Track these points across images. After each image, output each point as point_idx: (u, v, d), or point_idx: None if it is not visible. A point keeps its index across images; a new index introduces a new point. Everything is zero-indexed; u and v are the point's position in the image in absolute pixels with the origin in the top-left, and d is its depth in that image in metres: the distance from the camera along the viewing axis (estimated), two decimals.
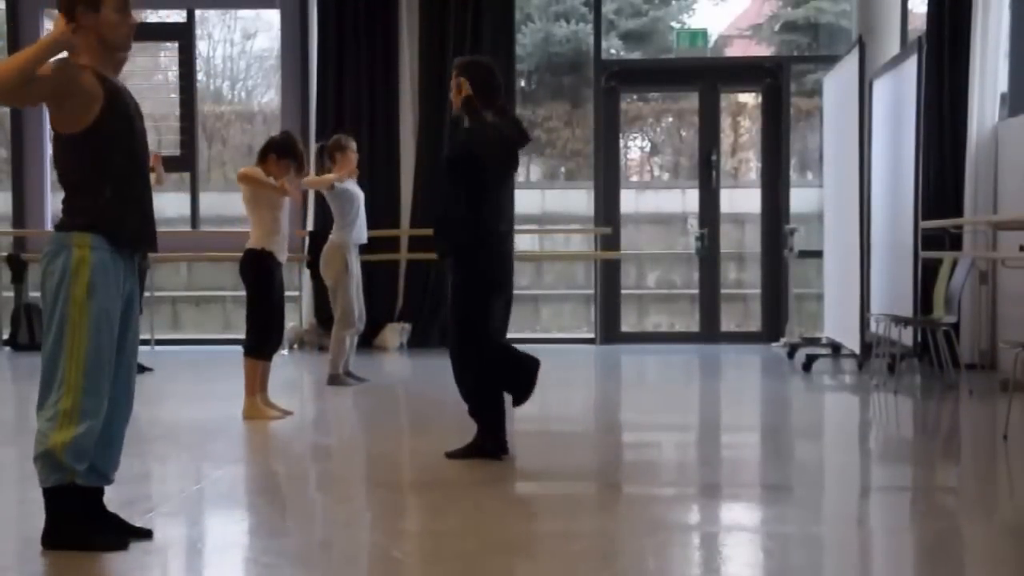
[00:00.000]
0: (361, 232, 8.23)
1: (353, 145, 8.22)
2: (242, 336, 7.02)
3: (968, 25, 9.49)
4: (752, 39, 17.44)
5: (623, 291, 12.11)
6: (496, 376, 5.60)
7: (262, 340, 6.88)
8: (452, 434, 6.35)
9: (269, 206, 6.88)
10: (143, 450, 5.76)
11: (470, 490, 5.04)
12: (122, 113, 3.95)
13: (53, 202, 11.87)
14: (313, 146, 10.33)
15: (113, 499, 4.22)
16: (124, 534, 4.05)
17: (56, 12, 3.95)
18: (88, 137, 3.88)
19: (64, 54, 3.89)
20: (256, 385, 6.88)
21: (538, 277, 13.88)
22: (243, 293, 7.06)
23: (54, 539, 3.96)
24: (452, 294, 5.67)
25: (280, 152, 6.95)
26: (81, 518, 3.97)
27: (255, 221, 6.88)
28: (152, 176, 8.71)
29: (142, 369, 9.38)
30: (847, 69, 9.54)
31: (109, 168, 3.92)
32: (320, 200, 10.59)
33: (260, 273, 6.85)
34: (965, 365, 8.50)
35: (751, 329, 12.31)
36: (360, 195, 8.25)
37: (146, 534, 4.12)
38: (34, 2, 11.58)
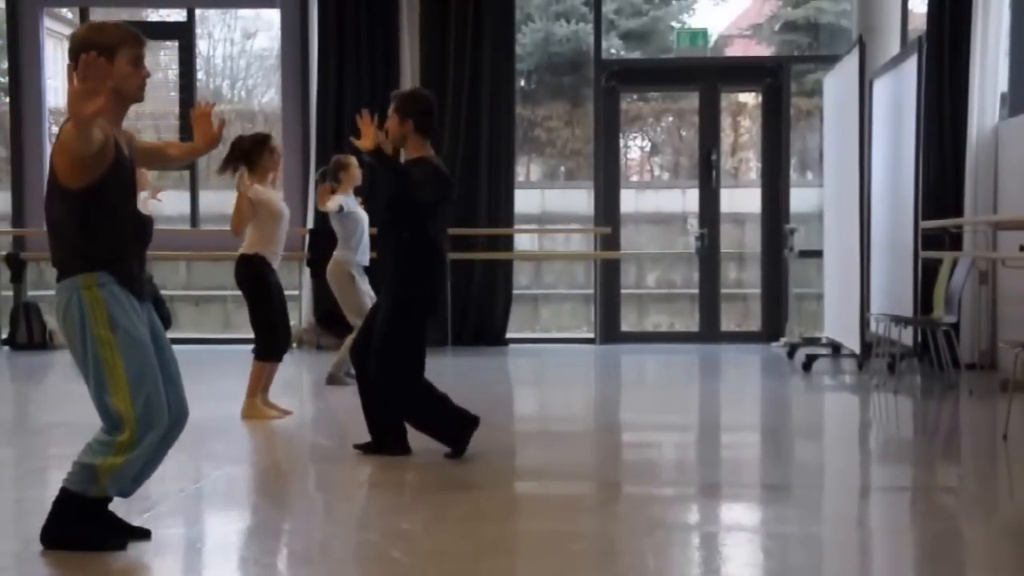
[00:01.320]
0: (364, 254, 8.27)
1: (354, 161, 8.23)
2: (242, 336, 7.04)
3: (968, 25, 9.48)
4: (752, 39, 17.44)
5: (623, 291, 12.10)
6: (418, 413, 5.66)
7: (271, 343, 6.90)
8: None
9: (272, 217, 6.89)
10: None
11: (470, 490, 5.04)
12: (123, 168, 3.95)
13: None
14: (313, 173, 10.39)
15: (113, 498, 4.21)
16: (123, 534, 4.05)
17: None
18: (93, 194, 3.86)
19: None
20: (259, 387, 6.90)
21: (538, 277, 13.88)
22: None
23: (54, 537, 3.96)
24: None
25: (259, 147, 6.92)
26: (82, 518, 3.97)
27: (255, 227, 6.88)
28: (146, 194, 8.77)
29: None
30: (847, 69, 9.53)
31: (111, 220, 3.91)
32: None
33: (256, 278, 6.86)
34: (965, 365, 8.50)
35: (751, 329, 12.30)
36: (365, 218, 8.28)
37: (144, 534, 4.12)
38: (34, 2, 11.58)
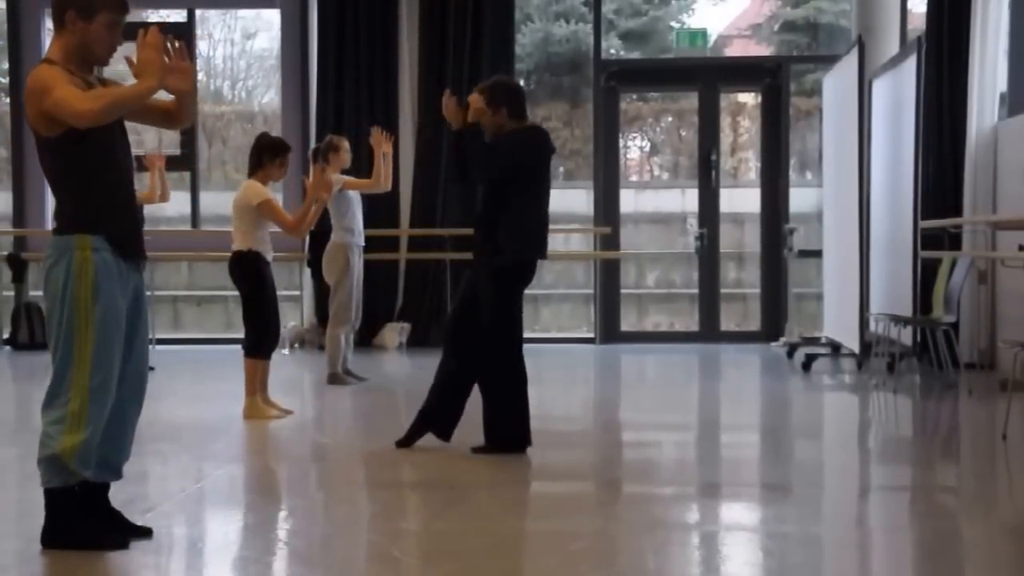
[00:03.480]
0: (360, 236, 8.29)
1: (345, 144, 8.25)
2: (243, 336, 7.04)
3: (967, 25, 9.49)
4: (752, 39, 17.45)
5: (623, 291, 12.11)
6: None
7: (260, 339, 6.89)
8: (453, 434, 6.35)
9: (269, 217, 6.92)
10: (143, 449, 5.75)
11: (470, 490, 5.05)
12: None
13: (53, 202, 11.87)
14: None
15: (113, 498, 4.22)
16: (125, 532, 4.06)
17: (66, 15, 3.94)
18: (67, 139, 3.85)
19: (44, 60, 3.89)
20: (256, 385, 6.89)
21: (538, 277, 13.79)
22: None
23: (54, 538, 3.96)
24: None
25: (273, 153, 6.94)
26: (81, 517, 3.98)
27: (253, 224, 6.88)
28: (155, 185, 8.82)
29: None
30: (846, 69, 9.54)
31: (94, 172, 3.90)
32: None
33: (251, 273, 6.86)
34: (964, 365, 8.50)
35: (751, 329, 12.31)
36: (357, 197, 8.27)
37: (146, 532, 4.13)
38: (35, 3, 11.58)
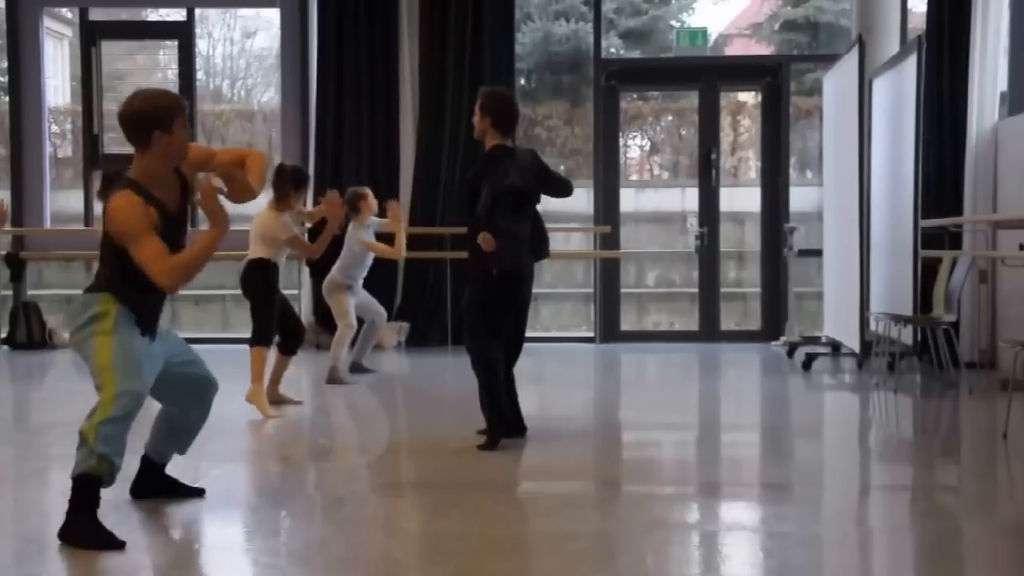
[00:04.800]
0: (359, 281, 8.69)
1: (370, 193, 8.73)
2: (242, 335, 7.14)
3: (968, 24, 9.47)
4: (752, 38, 17.46)
5: (623, 290, 12.10)
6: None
7: (264, 330, 7.14)
8: (452, 434, 6.35)
9: (285, 235, 7.13)
10: (142, 448, 5.74)
11: (470, 490, 5.04)
12: (163, 225, 4.21)
13: (52, 200, 11.87)
14: (312, 172, 10.64)
15: (113, 497, 4.22)
16: (179, 494, 4.67)
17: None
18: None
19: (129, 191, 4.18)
20: (261, 373, 7.06)
21: (537, 276, 13.83)
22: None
23: (65, 531, 4.04)
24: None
25: (298, 184, 7.27)
26: (93, 515, 4.04)
27: (267, 245, 7.14)
28: None
29: None
30: (847, 68, 9.53)
31: (143, 277, 4.19)
32: (320, 198, 10.61)
33: (264, 283, 7.11)
34: (965, 364, 8.49)
35: (751, 328, 12.30)
36: (370, 257, 8.68)
37: (199, 493, 4.75)
38: (34, 1, 11.57)
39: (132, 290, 4.23)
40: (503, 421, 5.92)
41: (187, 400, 4.54)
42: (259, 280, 7.11)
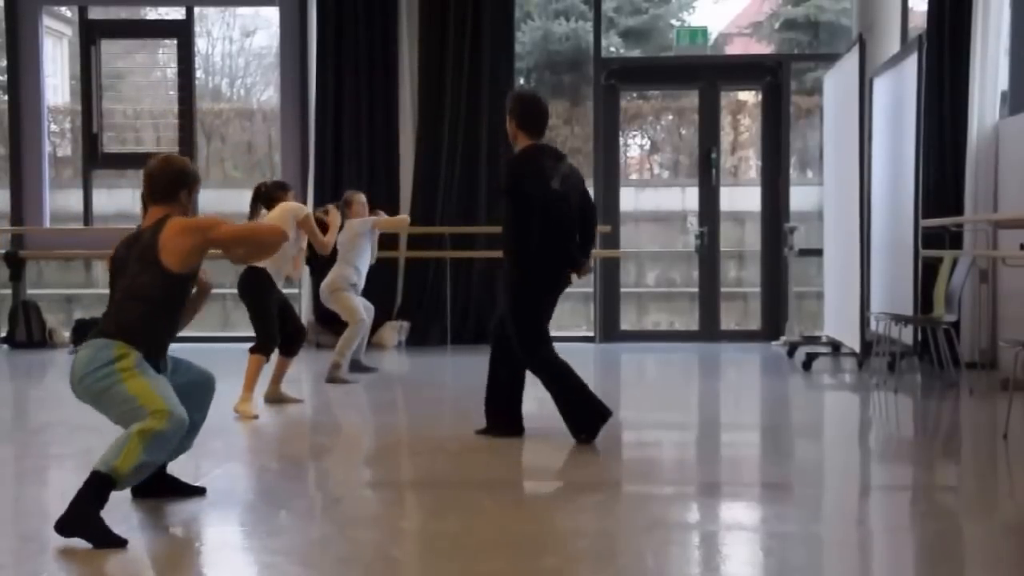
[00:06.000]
0: (361, 279, 8.77)
1: (358, 197, 8.86)
2: (242, 335, 7.16)
3: (969, 23, 9.47)
4: (752, 37, 17.46)
5: (623, 289, 12.09)
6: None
7: (265, 338, 7.13)
8: (452, 433, 6.34)
9: (293, 239, 7.17)
10: None
11: (470, 490, 5.03)
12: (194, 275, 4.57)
13: (51, 199, 11.86)
14: (312, 171, 10.67)
15: (112, 496, 4.20)
16: (180, 493, 4.72)
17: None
18: (179, 279, 4.44)
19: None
20: (253, 384, 7.04)
21: None
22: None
23: (68, 523, 4.03)
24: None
25: (280, 191, 7.46)
26: (97, 512, 4.03)
27: None
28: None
29: None
30: (847, 67, 9.52)
31: (177, 306, 4.51)
32: (321, 196, 10.62)
33: (257, 289, 7.12)
34: (965, 364, 8.49)
35: (751, 327, 12.30)
36: (367, 248, 8.79)
37: (200, 492, 4.79)
38: (33, 0, 11.56)
39: (151, 331, 4.41)
40: (595, 415, 5.98)
41: (188, 406, 4.56)
42: (252, 287, 7.14)
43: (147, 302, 4.40)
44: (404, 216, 9.50)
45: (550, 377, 5.96)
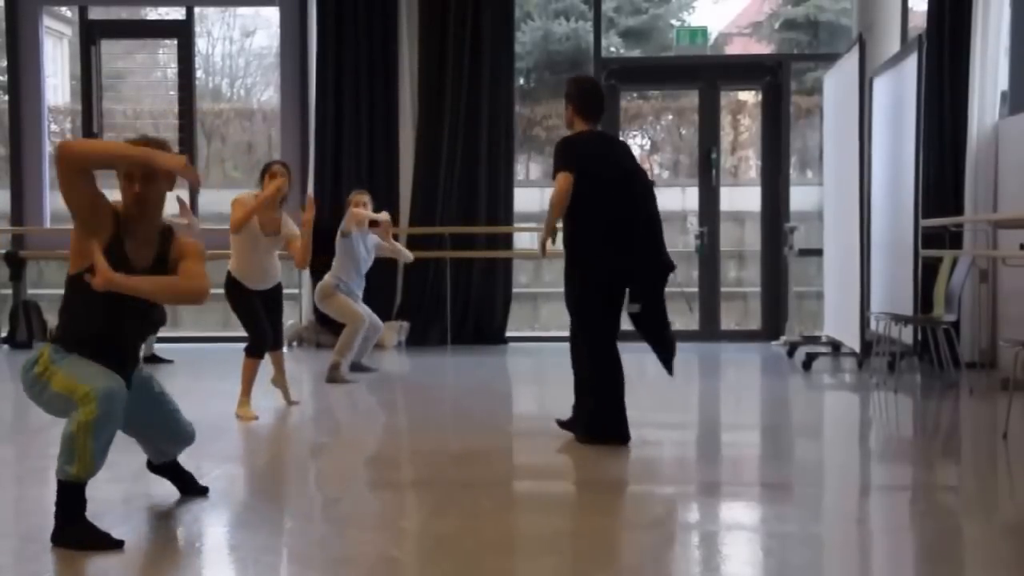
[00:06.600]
0: (360, 287, 8.73)
1: (362, 199, 8.68)
2: (241, 334, 7.14)
3: (968, 23, 9.48)
4: (752, 37, 17.46)
5: None
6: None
7: (255, 338, 7.09)
8: (451, 433, 6.35)
9: (250, 238, 6.99)
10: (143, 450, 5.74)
11: (470, 490, 5.03)
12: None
13: (51, 199, 11.86)
14: (311, 170, 10.64)
15: (112, 496, 4.21)
16: (187, 491, 4.72)
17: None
18: (77, 281, 4.15)
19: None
20: (248, 386, 7.00)
21: (537, 275, 13.87)
22: None
23: (57, 534, 4.01)
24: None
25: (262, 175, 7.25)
26: (82, 516, 4.00)
27: (235, 248, 7.10)
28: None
29: (160, 360, 9.45)
30: (847, 67, 9.53)
31: (82, 313, 4.24)
32: (321, 196, 10.61)
33: (235, 291, 7.13)
34: (965, 364, 8.49)
35: (751, 327, 12.30)
36: (363, 253, 8.71)
37: (203, 491, 4.77)
38: (34, 0, 11.56)
39: (75, 325, 4.28)
40: (614, 432, 5.97)
41: (164, 434, 4.57)
42: (229, 289, 7.13)
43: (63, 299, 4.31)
44: (360, 210, 8.57)
45: (599, 370, 5.96)
